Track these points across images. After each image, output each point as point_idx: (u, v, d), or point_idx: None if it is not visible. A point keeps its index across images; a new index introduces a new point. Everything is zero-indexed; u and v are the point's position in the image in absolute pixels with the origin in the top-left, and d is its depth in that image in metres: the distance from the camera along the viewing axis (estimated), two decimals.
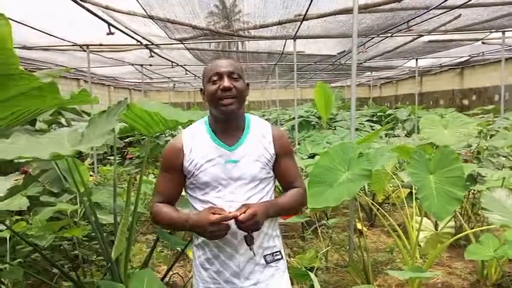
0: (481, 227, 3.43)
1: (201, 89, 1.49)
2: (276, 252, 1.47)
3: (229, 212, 1.31)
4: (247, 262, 1.40)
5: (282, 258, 1.50)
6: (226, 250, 1.40)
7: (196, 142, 1.44)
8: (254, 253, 1.39)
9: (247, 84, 1.47)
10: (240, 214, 1.28)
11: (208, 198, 1.40)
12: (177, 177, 1.45)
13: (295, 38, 6.66)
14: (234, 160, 1.40)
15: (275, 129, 1.52)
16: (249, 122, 1.49)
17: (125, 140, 7.23)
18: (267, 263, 1.44)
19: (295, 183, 1.53)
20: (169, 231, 2.94)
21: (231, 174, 1.40)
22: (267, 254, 1.44)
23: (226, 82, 1.35)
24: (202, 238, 1.39)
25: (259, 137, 1.46)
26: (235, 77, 1.38)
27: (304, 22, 5.76)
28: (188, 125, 1.58)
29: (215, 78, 1.38)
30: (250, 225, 1.28)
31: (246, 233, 1.34)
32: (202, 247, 1.45)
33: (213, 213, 1.29)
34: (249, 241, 1.34)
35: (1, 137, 1.70)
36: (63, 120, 4.41)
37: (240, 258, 1.40)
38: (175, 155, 1.44)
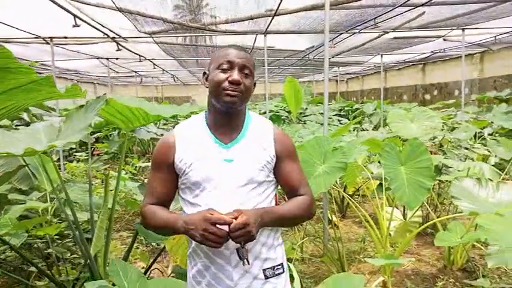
0: (447, 215, 3.61)
1: (205, 73, 1.34)
2: (277, 265, 1.29)
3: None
4: (242, 276, 1.23)
5: (284, 271, 1.32)
6: (217, 261, 1.24)
7: (189, 137, 1.30)
8: (247, 264, 1.20)
9: (254, 84, 1.34)
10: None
11: (198, 201, 1.25)
12: (168, 176, 1.31)
13: (266, 33, 6.69)
14: (229, 159, 1.26)
15: (277, 129, 1.38)
16: (249, 120, 1.36)
17: (93, 136, 7.05)
18: (266, 278, 1.26)
19: (300, 189, 1.35)
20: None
21: (225, 174, 1.25)
22: (267, 268, 1.27)
23: (236, 75, 1.23)
24: (193, 246, 1.28)
25: (258, 135, 1.33)
26: (247, 72, 1.26)
27: (275, 17, 5.79)
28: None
29: (225, 66, 1.24)
30: (241, 235, 1.12)
31: (238, 245, 1.16)
32: (194, 258, 1.30)
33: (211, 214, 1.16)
34: (242, 254, 1.16)
35: None
36: (25, 116, 4.25)
37: (233, 270, 1.23)
38: (166, 151, 1.30)
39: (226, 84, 1.23)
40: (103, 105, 1.87)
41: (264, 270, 1.26)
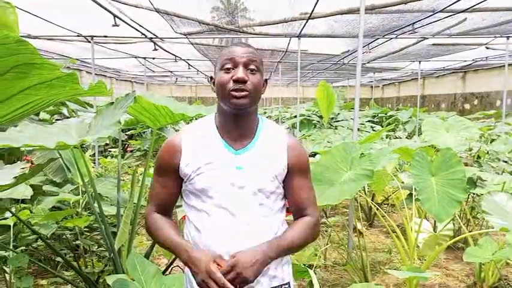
0: (480, 230, 3.46)
1: (211, 77, 1.25)
2: (285, 284, 1.25)
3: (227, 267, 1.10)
4: None
5: None
6: None
7: (198, 141, 1.22)
8: None
9: (266, 81, 1.24)
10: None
11: (205, 208, 1.18)
12: (173, 181, 1.24)
13: (299, 36, 6.67)
14: (239, 166, 1.18)
15: (292, 138, 1.28)
16: (262, 125, 1.26)
17: (126, 133, 7.26)
18: None
19: (307, 209, 1.26)
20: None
21: (234, 182, 1.17)
22: (275, 287, 1.22)
23: (240, 72, 1.13)
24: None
25: (271, 143, 1.24)
26: (253, 68, 1.16)
27: (309, 20, 5.76)
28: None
29: (229, 65, 1.15)
30: (232, 279, 1.08)
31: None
32: None
33: (218, 264, 1.11)
34: None
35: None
36: (65, 111, 4.43)
37: None
38: (172, 154, 1.21)
39: (231, 84, 1.14)
40: (131, 103, 1.92)
41: None
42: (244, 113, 1.19)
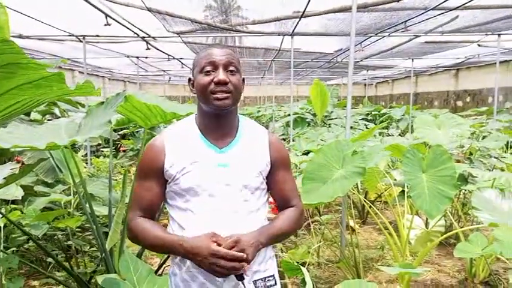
0: (471, 226, 3.49)
1: (190, 79, 1.29)
2: (268, 277, 1.25)
3: (231, 243, 1.10)
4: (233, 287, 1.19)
5: (276, 284, 1.27)
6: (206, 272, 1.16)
7: (180, 142, 1.23)
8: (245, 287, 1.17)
9: (243, 80, 1.27)
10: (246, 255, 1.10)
11: (190, 206, 1.19)
12: (157, 184, 1.23)
13: (292, 34, 6.67)
14: (224, 164, 1.20)
15: (272, 135, 1.33)
16: (242, 124, 1.30)
17: (119, 133, 7.23)
18: None
19: (292, 201, 1.33)
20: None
21: (219, 179, 1.19)
22: (258, 280, 1.23)
23: (221, 75, 1.16)
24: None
25: (253, 141, 1.28)
26: (232, 69, 1.19)
27: (302, 19, 5.77)
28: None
29: (209, 68, 1.18)
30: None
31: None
32: (179, 265, 1.22)
33: (216, 243, 1.10)
34: (239, 276, 1.14)
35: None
36: (57, 111, 4.41)
37: (224, 282, 1.17)
38: (155, 156, 1.22)
39: (212, 86, 1.17)
40: (122, 102, 1.91)
41: (255, 282, 1.22)
42: (225, 112, 1.23)
